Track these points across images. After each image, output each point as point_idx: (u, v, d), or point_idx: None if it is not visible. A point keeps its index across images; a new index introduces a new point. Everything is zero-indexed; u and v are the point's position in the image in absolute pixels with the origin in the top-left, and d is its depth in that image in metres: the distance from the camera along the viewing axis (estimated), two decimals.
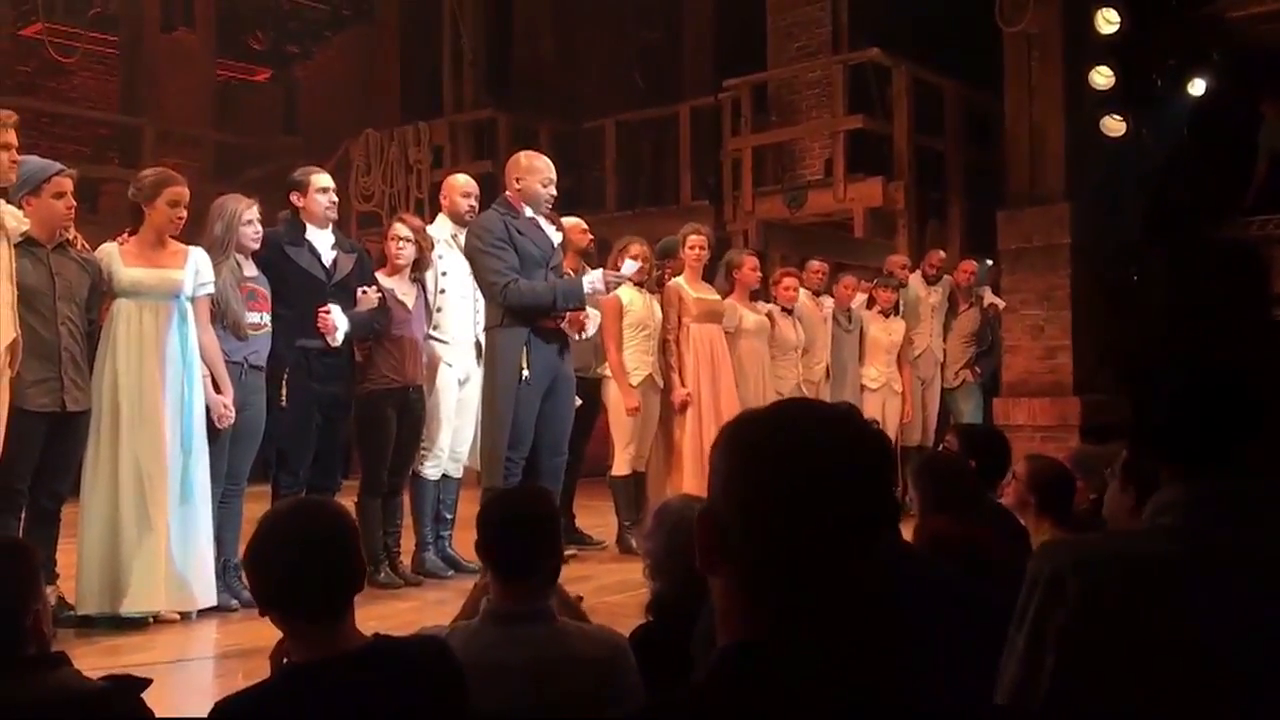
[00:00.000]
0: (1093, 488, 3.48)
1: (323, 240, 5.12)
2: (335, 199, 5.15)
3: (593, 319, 5.39)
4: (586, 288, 4.78)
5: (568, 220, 6.23)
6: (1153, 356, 1.56)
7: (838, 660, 1.07)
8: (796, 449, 1.09)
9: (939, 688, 1.39)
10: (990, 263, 8.98)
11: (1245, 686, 1.28)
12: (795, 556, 1.07)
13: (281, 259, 5.00)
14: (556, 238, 4.98)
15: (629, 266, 4.84)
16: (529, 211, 4.88)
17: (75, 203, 4.38)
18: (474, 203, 5.52)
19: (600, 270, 4.84)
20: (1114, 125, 8.32)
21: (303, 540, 1.95)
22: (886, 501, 1.13)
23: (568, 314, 4.95)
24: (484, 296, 5.00)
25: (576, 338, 5.23)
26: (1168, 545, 1.37)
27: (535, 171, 4.93)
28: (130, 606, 4.37)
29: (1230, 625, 1.29)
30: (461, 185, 5.73)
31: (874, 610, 1.13)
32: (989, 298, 8.40)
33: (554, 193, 4.96)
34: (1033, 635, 1.37)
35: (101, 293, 4.48)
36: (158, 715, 2.03)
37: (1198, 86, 8.48)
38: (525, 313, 4.74)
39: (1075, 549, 1.42)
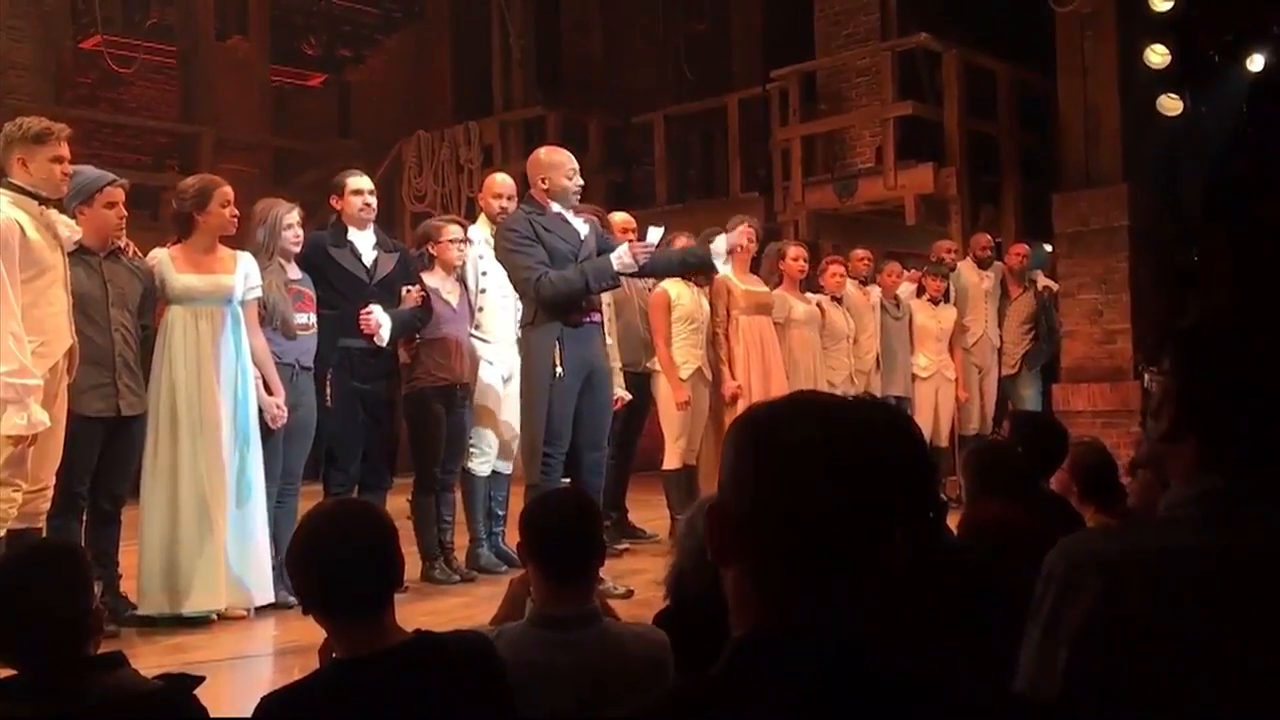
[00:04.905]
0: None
1: (364, 241, 5.20)
2: (370, 200, 5.19)
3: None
4: (615, 264, 4.74)
5: (615, 216, 6.25)
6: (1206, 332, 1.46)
7: (848, 651, 1.06)
8: (802, 442, 1.08)
9: (962, 675, 1.39)
10: (1049, 247, 8.84)
11: (1259, 687, 1.24)
12: (802, 549, 1.06)
13: (325, 260, 5.09)
14: (584, 230, 4.96)
15: (653, 234, 4.79)
16: (556, 207, 4.88)
17: (126, 212, 4.48)
18: (505, 203, 5.53)
19: (626, 244, 4.80)
20: (1171, 104, 8.16)
21: (339, 540, 1.98)
22: (910, 492, 1.11)
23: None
24: (519, 295, 5.02)
25: None
26: (1196, 540, 1.31)
27: (558, 166, 4.90)
28: (192, 606, 4.48)
29: (1251, 624, 1.25)
30: (495, 186, 5.75)
31: (891, 600, 1.12)
32: (1043, 280, 8.27)
33: (580, 182, 4.94)
34: (1047, 630, 1.34)
35: (154, 298, 4.58)
36: (214, 711, 2.07)
37: (1256, 62, 8.30)
38: (561, 303, 4.73)
39: (1093, 544, 1.37)
